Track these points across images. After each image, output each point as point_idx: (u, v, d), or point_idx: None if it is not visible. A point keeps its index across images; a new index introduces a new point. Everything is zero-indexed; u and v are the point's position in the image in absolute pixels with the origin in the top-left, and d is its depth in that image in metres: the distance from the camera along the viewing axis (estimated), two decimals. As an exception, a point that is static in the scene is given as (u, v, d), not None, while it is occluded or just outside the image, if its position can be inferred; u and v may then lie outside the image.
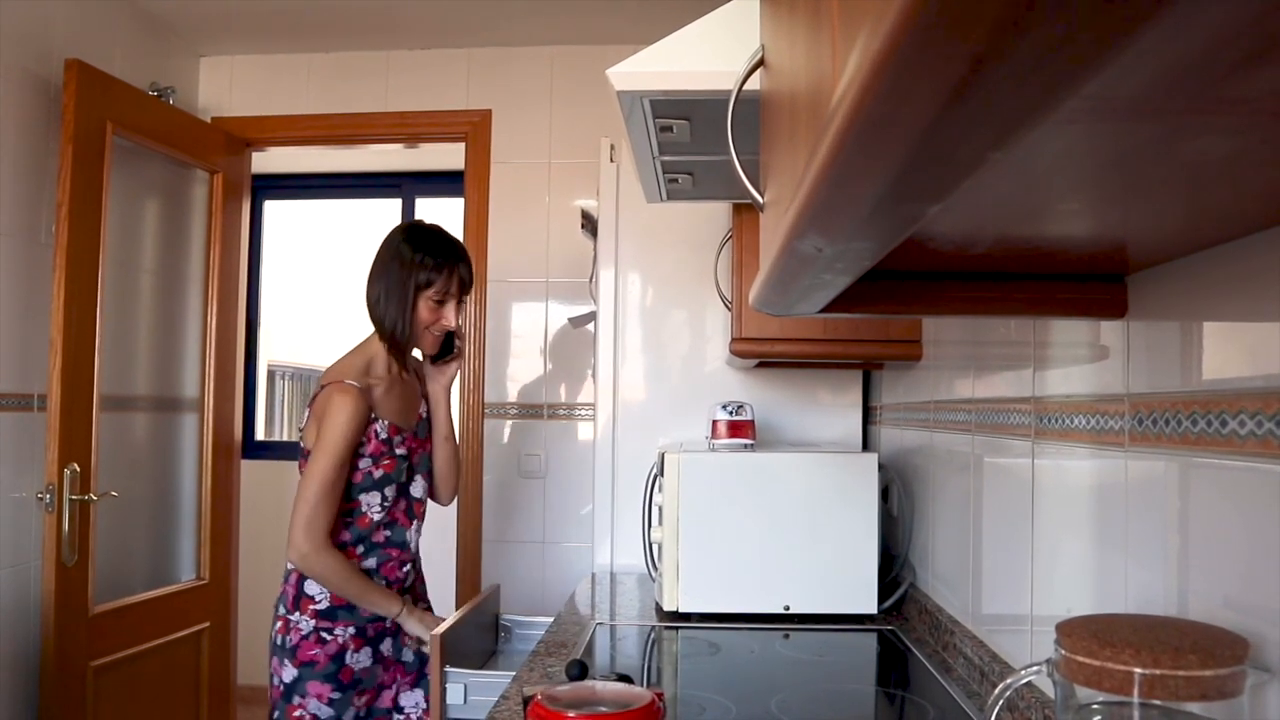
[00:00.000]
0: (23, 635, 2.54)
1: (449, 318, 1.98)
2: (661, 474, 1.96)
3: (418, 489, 2.05)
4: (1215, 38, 0.34)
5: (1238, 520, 0.80)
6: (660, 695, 1.11)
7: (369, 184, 4.57)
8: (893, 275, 0.96)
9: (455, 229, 3.58)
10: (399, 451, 1.98)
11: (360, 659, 1.94)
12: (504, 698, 1.41)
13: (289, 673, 1.90)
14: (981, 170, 0.42)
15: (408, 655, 2.03)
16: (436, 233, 2.03)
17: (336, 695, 1.90)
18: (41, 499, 2.56)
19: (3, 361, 2.51)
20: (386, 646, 1.98)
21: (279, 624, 1.94)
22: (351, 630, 1.93)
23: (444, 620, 1.86)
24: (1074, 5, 0.26)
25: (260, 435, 4.58)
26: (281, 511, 4.30)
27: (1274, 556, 0.74)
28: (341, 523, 1.94)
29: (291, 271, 4.80)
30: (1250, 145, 0.51)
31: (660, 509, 1.95)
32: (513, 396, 3.31)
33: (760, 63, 0.92)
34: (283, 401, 8.37)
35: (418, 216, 2.19)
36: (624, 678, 1.21)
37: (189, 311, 3.25)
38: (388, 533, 1.99)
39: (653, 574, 2.03)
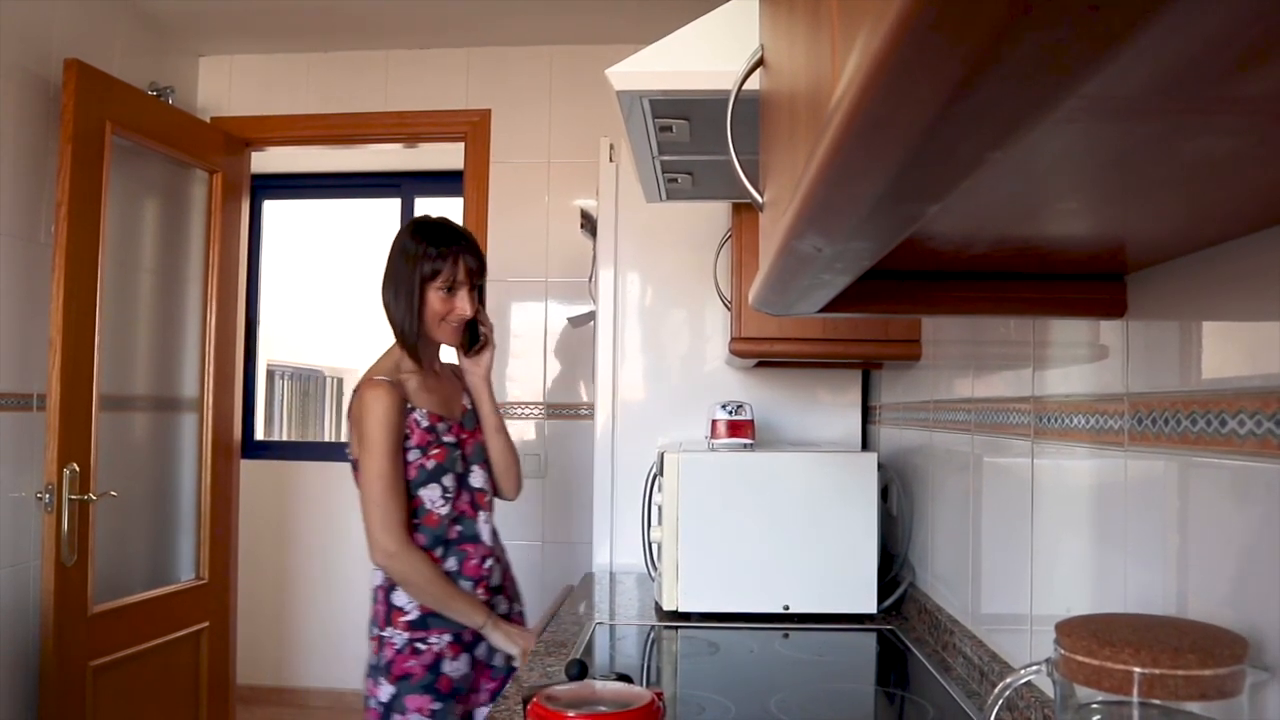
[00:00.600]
0: (22, 635, 2.54)
1: (462, 306, 1.92)
2: (661, 473, 1.96)
3: (477, 479, 1.98)
4: (1214, 38, 0.34)
5: (1237, 520, 0.80)
6: (660, 695, 1.11)
7: (368, 184, 4.57)
8: (892, 275, 0.96)
9: (455, 229, 3.60)
10: (447, 439, 1.93)
11: (458, 666, 1.88)
12: (504, 697, 1.41)
13: (385, 691, 1.85)
14: (981, 170, 0.42)
15: (497, 660, 1.95)
16: (440, 223, 1.99)
17: (437, 706, 1.84)
18: (41, 499, 2.56)
19: (2, 361, 2.51)
20: (481, 651, 1.91)
21: (373, 644, 1.90)
22: (447, 638, 1.87)
23: (531, 633, 1.86)
24: (1072, 6, 0.26)
25: (259, 435, 4.58)
26: (281, 511, 4.32)
27: (1273, 556, 0.74)
28: (410, 525, 1.88)
29: (291, 271, 4.80)
30: (1249, 145, 0.51)
31: (660, 508, 1.95)
32: (512, 396, 3.31)
33: (760, 62, 0.92)
34: (282, 401, 8.37)
35: (422, 213, 2.08)
36: (623, 677, 1.21)
37: (188, 311, 3.25)
38: (459, 528, 1.92)
39: (652, 573, 2.03)
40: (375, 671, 1.88)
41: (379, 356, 2.00)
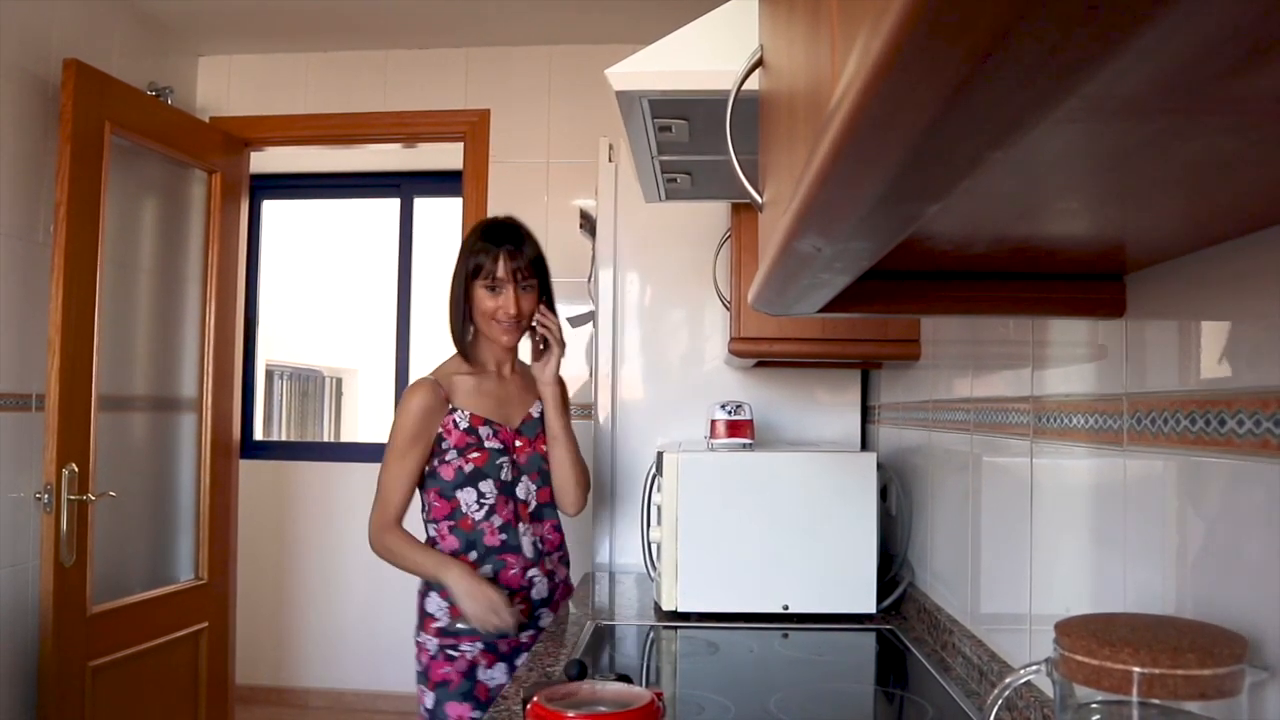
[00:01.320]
0: (21, 635, 2.54)
1: (506, 303, 1.89)
2: (660, 473, 1.96)
3: (524, 490, 1.94)
4: (1213, 39, 0.34)
5: (1236, 519, 0.80)
6: (659, 695, 1.11)
7: (367, 184, 4.57)
8: (891, 275, 0.96)
9: (454, 229, 3.60)
10: (490, 445, 1.90)
11: (494, 675, 1.88)
12: (503, 697, 1.41)
13: (429, 699, 1.87)
14: (980, 170, 0.42)
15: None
16: (498, 221, 1.97)
17: (477, 715, 1.84)
18: (40, 499, 2.56)
19: (1, 361, 2.51)
20: (522, 662, 1.80)
21: (416, 650, 1.92)
22: (479, 645, 1.86)
23: (501, 602, 1.80)
24: (1072, 7, 0.26)
25: (258, 435, 4.58)
26: (280, 511, 4.31)
27: (1272, 555, 0.74)
28: (446, 527, 1.90)
29: (290, 271, 4.80)
30: (1248, 145, 0.51)
31: (659, 508, 1.95)
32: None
33: (759, 63, 0.92)
34: (281, 401, 8.37)
35: (491, 217, 2.07)
36: (623, 677, 1.20)
37: (187, 311, 3.24)
38: (503, 536, 1.89)
39: (651, 573, 2.03)
40: (419, 678, 1.90)
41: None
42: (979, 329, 1.55)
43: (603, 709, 1.07)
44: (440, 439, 1.89)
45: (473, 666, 1.86)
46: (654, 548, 1.99)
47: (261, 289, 4.41)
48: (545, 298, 1.97)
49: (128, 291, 2.97)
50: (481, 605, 1.80)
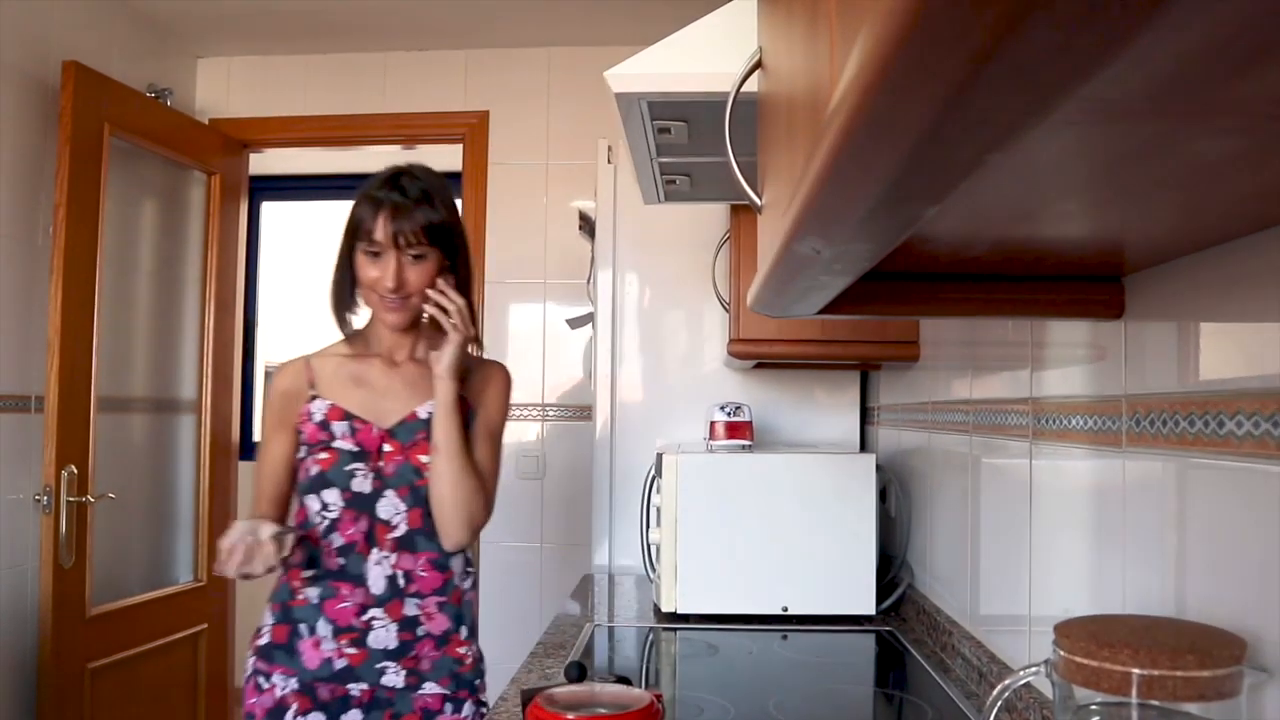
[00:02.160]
0: (20, 637, 2.54)
1: (385, 275, 1.50)
2: (659, 475, 1.96)
3: (388, 508, 1.53)
4: (1211, 42, 0.34)
5: (1235, 520, 0.80)
6: (659, 696, 1.11)
7: (366, 185, 4.56)
8: (890, 276, 0.96)
9: (453, 230, 3.60)
10: (342, 444, 1.53)
11: None
12: (502, 699, 1.41)
13: None
14: (979, 172, 0.42)
15: None
16: (398, 170, 1.56)
17: None
18: (39, 500, 2.56)
19: (0, 363, 2.51)
20: None
21: None
22: (294, 684, 1.51)
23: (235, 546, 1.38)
24: (1070, 9, 0.26)
25: (257, 437, 4.57)
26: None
27: (1271, 557, 0.74)
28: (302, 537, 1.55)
29: (289, 273, 4.79)
30: (1246, 147, 0.51)
31: (658, 510, 1.95)
32: (510, 398, 3.30)
33: (758, 64, 0.92)
34: (280, 403, 8.33)
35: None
36: (622, 679, 1.21)
37: (186, 313, 3.24)
38: (342, 560, 1.52)
39: (651, 575, 2.03)
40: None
41: None
42: (978, 330, 1.55)
43: (602, 711, 1.07)
44: (298, 431, 1.57)
45: (281, 708, 1.50)
46: (653, 549, 1.99)
47: (261, 290, 4.40)
48: (455, 273, 1.57)
49: (127, 293, 2.97)
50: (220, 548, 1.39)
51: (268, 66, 3.44)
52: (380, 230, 1.49)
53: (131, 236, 3.01)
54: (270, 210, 4.51)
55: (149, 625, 2.90)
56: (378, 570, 1.52)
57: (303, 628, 1.52)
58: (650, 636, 1.85)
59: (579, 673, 1.24)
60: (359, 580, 1.52)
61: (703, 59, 1.10)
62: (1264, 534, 0.75)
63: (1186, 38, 0.33)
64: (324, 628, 1.51)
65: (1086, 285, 1.00)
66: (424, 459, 1.54)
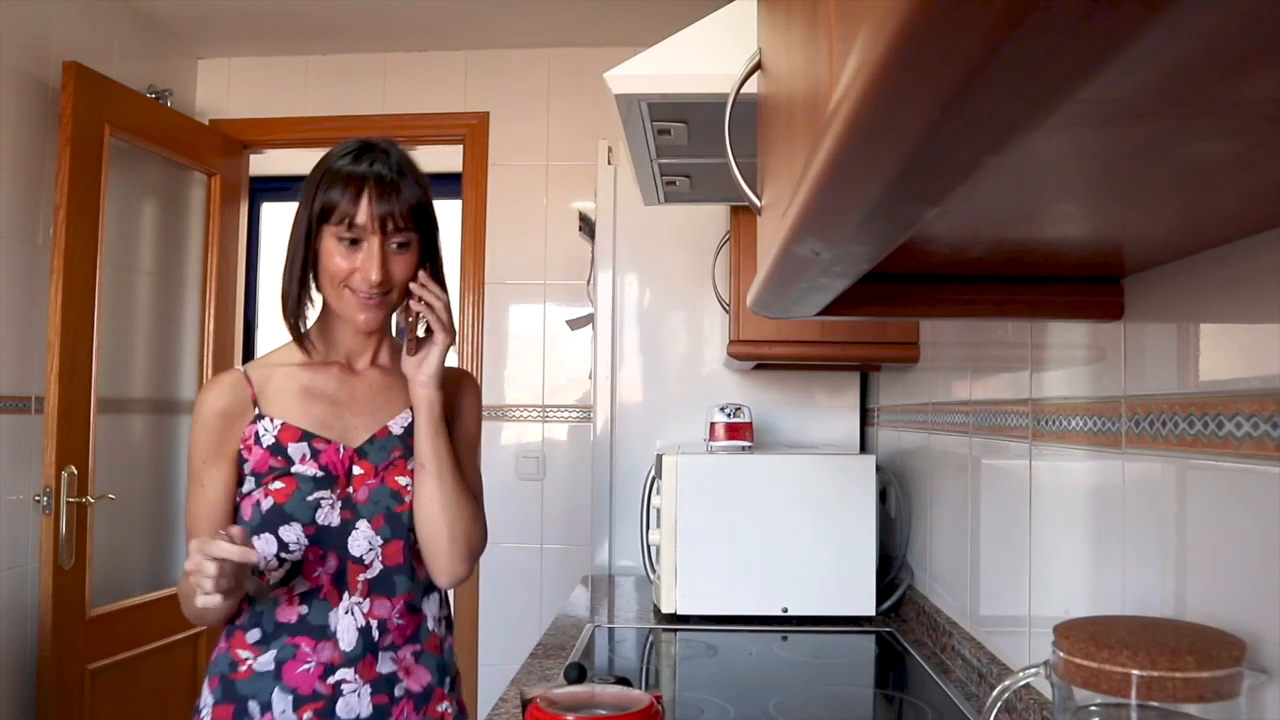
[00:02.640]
0: (20, 638, 2.54)
1: (369, 266, 1.24)
2: (659, 476, 1.96)
3: (360, 543, 1.27)
4: (1209, 44, 0.34)
5: (1235, 522, 0.80)
6: (659, 698, 1.11)
7: (366, 186, 4.55)
8: (890, 278, 0.96)
9: (452, 232, 3.60)
10: (302, 470, 1.26)
11: None
12: (502, 700, 1.41)
13: None
14: (978, 174, 0.42)
15: None
16: (367, 141, 1.34)
17: None
18: (39, 501, 2.56)
19: (0, 364, 2.51)
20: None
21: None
22: None
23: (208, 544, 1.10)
24: (1069, 12, 0.26)
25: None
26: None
27: (1271, 558, 0.74)
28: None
29: (289, 274, 4.81)
30: (1245, 149, 0.52)
31: (658, 511, 1.95)
32: (510, 399, 3.31)
33: (758, 66, 0.92)
34: (280, 404, 8.33)
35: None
36: (622, 680, 1.21)
37: (186, 314, 3.24)
38: (303, 610, 1.25)
39: (651, 576, 2.03)
40: None
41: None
42: (978, 332, 1.56)
43: (602, 712, 1.07)
44: (240, 459, 1.28)
45: None
46: (653, 550, 1.99)
47: (261, 291, 4.40)
48: (429, 263, 1.32)
49: (127, 294, 2.97)
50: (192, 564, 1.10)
51: (268, 67, 3.44)
52: (364, 212, 1.24)
53: (131, 237, 3.01)
54: (270, 211, 4.51)
55: (149, 626, 2.90)
56: (348, 620, 1.26)
57: (252, 705, 1.24)
58: (650, 637, 1.85)
59: (579, 674, 1.24)
60: (323, 633, 1.25)
61: (702, 60, 1.10)
62: (1263, 535, 0.75)
63: (1183, 40, 0.33)
64: (280, 700, 1.23)
65: (1086, 286, 1.00)
66: (402, 481, 1.31)
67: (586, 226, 2.71)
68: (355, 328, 1.31)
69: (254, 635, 1.27)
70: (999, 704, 0.87)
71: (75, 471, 2.59)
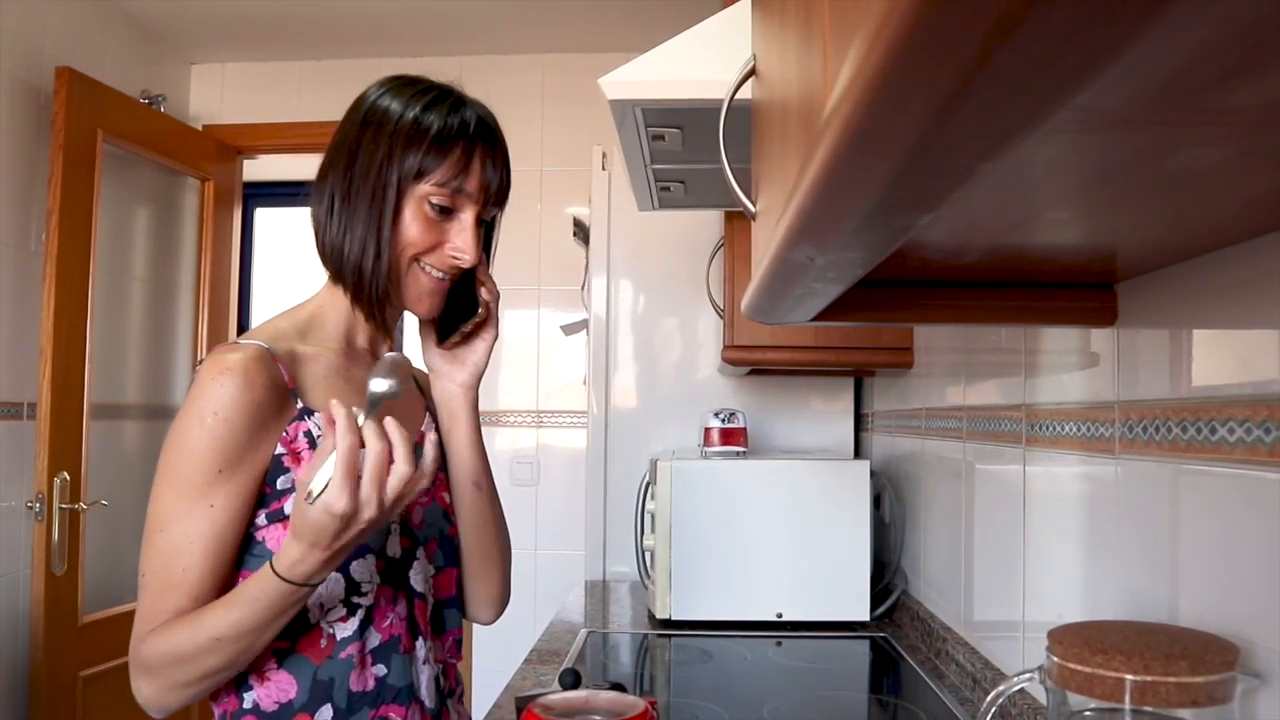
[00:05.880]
0: (11, 645, 2.53)
1: (464, 244, 1.02)
2: (654, 481, 1.96)
3: (418, 578, 1.04)
4: (1202, 51, 0.35)
5: (1228, 527, 0.80)
6: (653, 703, 1.11)
7: (361, 191, 4.55)
8: (884, 283, 0.96)
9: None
10: None
11: None
12: (497, 706, 1.40)
13: None
14: (972, 181, 0.43)
15: None
16: (441, 89, 1.10)
17: None
18: (31, 508, 2.55)
19: (-8, 370, 2.51)
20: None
21: None
22: None
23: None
24: (1063, 19, 0.26)
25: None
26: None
27: (1264, 563, 0.74)
28: (274, 659, 0.95)
29: (283, 279, 4.79)
30: (1237, 155, 0.52)
31: (652, 516, 1.95)
32: (504, 404, 3.30)
33: (752, 72, 0.92)
34: (274, 409, 8.31)
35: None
36: (617, 686, 1.20)
37: (180, 319, 3.24)
38: (381, 670, 0.99)
39: (645, 582, 2.03)
40: None
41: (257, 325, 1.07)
42: (971, 337, 1.56)
43: (597, 718, 1.07)
44: (276, 469, 0.97)
45: None
46: (648, 556, 1.99)
47: (254, 297, 4.39)
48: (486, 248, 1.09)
49: (120, 300, 2.96)
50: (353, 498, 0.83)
51: (261, 73, 3.44)
52: (474, 179, 1.02)
53: (125, 243, 3.00)
54: (264, 216, 4.51)
55: (141, 633, 2.89)
56: (427, 673, 1.02)
57: None
58: (645, 643, 1.85)
59: (573, 679, 1.24)
60: (409, 695, 1.00)
61: (697, 66, 1.10)
62: (1256, 540, 0.75)
63: (1177, 48, 0.33)
64: None
65: (1079, 292, 1.00)
66: (448, 499, 1.11)
67: (581, 232, 2.71)
68: (416, 312, 1.06)
69: (325, 715, 0.95)
70: (993, 709, 0.87)
71: (68, 478, 2.58)
